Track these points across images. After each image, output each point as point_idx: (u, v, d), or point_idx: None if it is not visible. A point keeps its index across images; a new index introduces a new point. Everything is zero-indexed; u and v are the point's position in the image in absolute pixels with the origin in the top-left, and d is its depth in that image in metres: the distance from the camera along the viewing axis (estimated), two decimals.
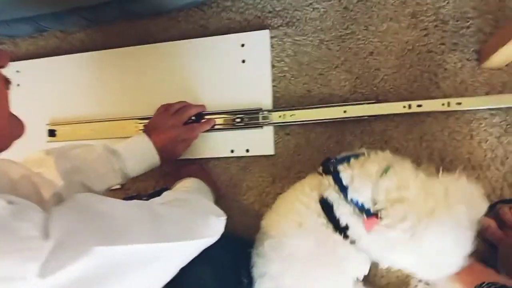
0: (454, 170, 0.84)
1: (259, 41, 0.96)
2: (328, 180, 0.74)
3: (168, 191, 0.80)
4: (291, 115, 0.92)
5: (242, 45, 0.96)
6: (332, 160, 0.76)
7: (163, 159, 0.87)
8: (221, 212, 0.71)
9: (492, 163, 0.85)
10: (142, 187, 1.04)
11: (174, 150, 0.90)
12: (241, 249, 0.89)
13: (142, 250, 0.48)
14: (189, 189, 0.82)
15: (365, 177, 0.70)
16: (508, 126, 0.84)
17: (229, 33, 0.98)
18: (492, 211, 0.83)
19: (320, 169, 0.78)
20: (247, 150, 0.96)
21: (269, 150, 0.95)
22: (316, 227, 0.73)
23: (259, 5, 0.97)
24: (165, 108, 0.93)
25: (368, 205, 0.70)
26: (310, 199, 0.75)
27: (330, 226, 0.72)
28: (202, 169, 0.99)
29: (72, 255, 0.41)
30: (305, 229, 0.74)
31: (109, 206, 0.51)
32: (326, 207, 0.73)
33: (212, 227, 0.65)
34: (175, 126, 0.89)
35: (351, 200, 0.71)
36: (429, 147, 0.87)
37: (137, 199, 0.98)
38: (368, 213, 0.69)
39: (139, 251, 0.48)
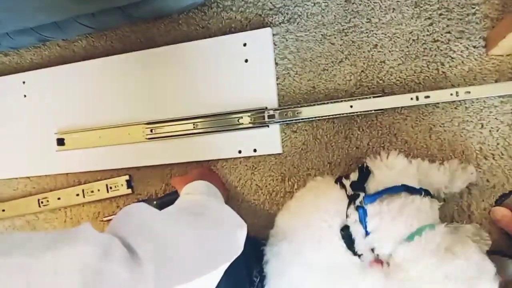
0: (466, 161, 0.83)
1: (261, 40, 0.94)
2: (354, 214, 0.73)
3: (183, 196, 0.80)
4: (297, 113, 0.91)
5: (244, 45, 0.95)
6: (363, 195, 0.74)
7: None
8: (241, 221, 0.70)
9: (505, 151, 0.83)
10: (152, 191, 1.05)
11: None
12: (253, 249, 0.89)
13: (203, 280, 0.52)
14: (200, 193, 0.82)
15: (389, 236, 0.70)
16: None
17: (231, 33, 0.97)
18: (507, 200, 0.82)
19: (348, 187, 0.78)
20: (255, 150, 0.96)
21: (277, 148, 0.95)
22: (336, 248, 0.74)
23: (259, 3, 0.96)
24: None
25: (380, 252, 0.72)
26: (334, 222, 0.75)
27: (351, 255, 0.74)
28: (210, 170, 0.99)
29: None
30: (325, 247, 0.75)
31: (172, 232, 0.53)
32: (348, 238, 0.74)
33: (240, 242, 0.65)
34: None
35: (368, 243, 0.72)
36: (439, 139, 0.86)
37: (148, 203, 0.99)
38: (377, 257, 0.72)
39: (201, 282, 0.51)
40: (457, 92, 0.82)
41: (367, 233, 0.72)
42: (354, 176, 0.80)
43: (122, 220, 0.51)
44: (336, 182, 0.81)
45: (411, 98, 0.85)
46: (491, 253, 0.81)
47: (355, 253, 0.74)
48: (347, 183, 0.79)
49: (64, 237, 0.41)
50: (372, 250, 0.72)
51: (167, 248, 0.49)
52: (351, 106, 0.88)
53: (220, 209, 0.73)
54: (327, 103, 0.90)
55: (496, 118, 0.83)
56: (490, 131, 0.84)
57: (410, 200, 0.71)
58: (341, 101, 0.89)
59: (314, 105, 0.90)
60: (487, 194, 0.83)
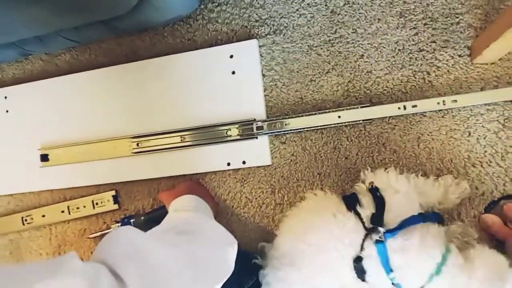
0: (454, 169, 0.84)
1: (247, 51, 0.94)
2: (370, 247, 0.72)
3: (171, 213, 0.78)
4: (285, 124, 0.90)
5: (231, 56, 0.94)
6: (383, 230, 0.72)
7: None
8: (232, 238, 0.69)
9: (493, 159, 0.83)
10: (139, 206, 1.03)
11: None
12: (243, 263, 0.87)
13: None
14: (189, 208, 0.80)
15: (417, 272, 0.68)
16: (506, 120, 0.83)
17: (217, 45, 0.96)
18: (496, 207, 0.82)
19: (365, 219, 0.76)
20: (244, 162, 0.95)
21: (266, 160, 0.94)
22: (345, 277, 0.74)
23: (245, 14, 0.96)
24: None
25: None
26: (347, 252, 0.73)
27: (359, 280, 0.74)
28: (199, 184, 0.98)
29: None
30: (335, 275, 0.74)
31: (160, 254, 0.52)
32: (360, 269, 0.73)
33: (231, 261, 0.64)
34: None
35: (393, 282, 0.71)
36: (427, 147, 0.86)
37: (135, 219, 0.97)
38: None
39: None
40: (443, 101, 0.83)
41: (389, 270, 0.70)
42: (366, 202, 0.77)
43: (108, 245, 0.50)
44: (347, 206, 0.78)
45: (399, 108, 0.85)
46: None
47: (363, 280, 0.73)
48: (363, 212, 0.75)
49: (48, 271, 0.40)
50: (394, 284, 0.71)
51: (154, 272, 0.47)
52: (339, 117, 0.88)
53: (210, 227, 0.71)
54: (315, 113, 0.89)
55: (483, 126, 0.84)
56: (477, 139, 0.84)
57: (426, 229, 0.70)
58: (329, 111, 0.88)
59: (302, 116, 0.90)
60: (476, 201, 0.84)
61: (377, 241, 0.71)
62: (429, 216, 0.75)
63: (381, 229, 0.71)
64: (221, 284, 0.59)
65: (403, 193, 0.76)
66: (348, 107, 0.88)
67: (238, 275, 0.83)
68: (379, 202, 0.76)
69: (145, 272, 0.46)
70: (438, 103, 0.83)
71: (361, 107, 0.87)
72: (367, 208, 0.76)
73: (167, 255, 0.52)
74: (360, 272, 0.72)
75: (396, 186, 0.77)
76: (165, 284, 0.47)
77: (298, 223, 0.82)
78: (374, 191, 0.78)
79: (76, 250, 1.07)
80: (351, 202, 0.79)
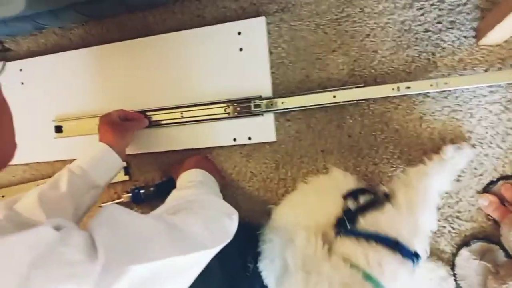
0: None
1: (255, 28, 0.95)
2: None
3: (175, 191, 0.81)
4: (282, 103, 0.92)
5: (239, 33, 0.96)
6: (347, 227, 0.74)
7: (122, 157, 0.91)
8: (232, 209, 0.72)
9: (493, 140, 0.85)
10: (149, 178, 1.07)
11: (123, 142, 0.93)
12: (247, 234, 0.91)
13: (168, 264, 0.51)
14: (195, 183, 0.83)
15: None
16: (508, 102, 0.84)
17: (226, 22, 0.98)
18: (494, 187, 0.84)
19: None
20: (249, 138, 0.97)
21: (271, 137, 0.96)
22: None
23: None
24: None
25: None
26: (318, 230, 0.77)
27: None
28: (206, 158, 1.01)
29: (115, 276, 0.44)
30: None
31: (137, 223, 0.54)
32: None
33: (227, 230, 0.66)
34: (115, 123, 0.93)
35: None
36: (429, 127, 0.87)
37: (145, 190, 1.02)
38: None
39: (165, 265, 0.51)
40: (437, 83, 0.83)
41: None
42: (362, 199, 0.78)
43: (93, 218, 0.53)
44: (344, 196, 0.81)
45: (393, 89, 0.86)
46: (480, 240, 0.84)
47: None
48: (349, 204, 0.78)
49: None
50: None
51: (124, 234, 0.50)
52: (334, 96, 0.89)
53: (206, 199, 0.74)
54: (311, 93, 0.91)
55: (485, 108, 0.85)
56: (479, 120, 0.85)
57: (380, 248, 0.68)
58: (324, 91, 0.90)
59: (298, 95, 0.92)
60: (475, 181, 0.86)
61: (337, 233, 0.75)
62: (403, 248, 0.69)
63: (348, 226, 0.74)
64: (215, 248, 0.61)
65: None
66: (342, 87, 0.89)
67: (240, 246, 0.87)
68: (369, 204, 0.77)
69: (114, 234, 0.49)
70: (431, 85, 0.83)
71: (356, 87, 0.88)
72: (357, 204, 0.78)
73: (141, 222, 0.55)
74: None
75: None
76: (134, 245, 0.50)
77: (299, 196, 0.88)
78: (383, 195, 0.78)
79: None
80: (350, 193, 0.81)
